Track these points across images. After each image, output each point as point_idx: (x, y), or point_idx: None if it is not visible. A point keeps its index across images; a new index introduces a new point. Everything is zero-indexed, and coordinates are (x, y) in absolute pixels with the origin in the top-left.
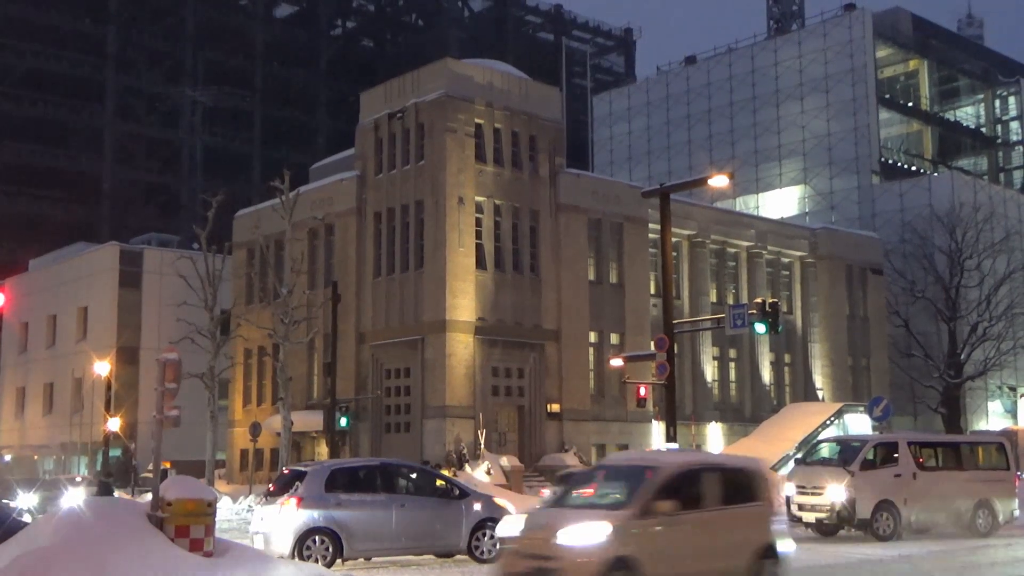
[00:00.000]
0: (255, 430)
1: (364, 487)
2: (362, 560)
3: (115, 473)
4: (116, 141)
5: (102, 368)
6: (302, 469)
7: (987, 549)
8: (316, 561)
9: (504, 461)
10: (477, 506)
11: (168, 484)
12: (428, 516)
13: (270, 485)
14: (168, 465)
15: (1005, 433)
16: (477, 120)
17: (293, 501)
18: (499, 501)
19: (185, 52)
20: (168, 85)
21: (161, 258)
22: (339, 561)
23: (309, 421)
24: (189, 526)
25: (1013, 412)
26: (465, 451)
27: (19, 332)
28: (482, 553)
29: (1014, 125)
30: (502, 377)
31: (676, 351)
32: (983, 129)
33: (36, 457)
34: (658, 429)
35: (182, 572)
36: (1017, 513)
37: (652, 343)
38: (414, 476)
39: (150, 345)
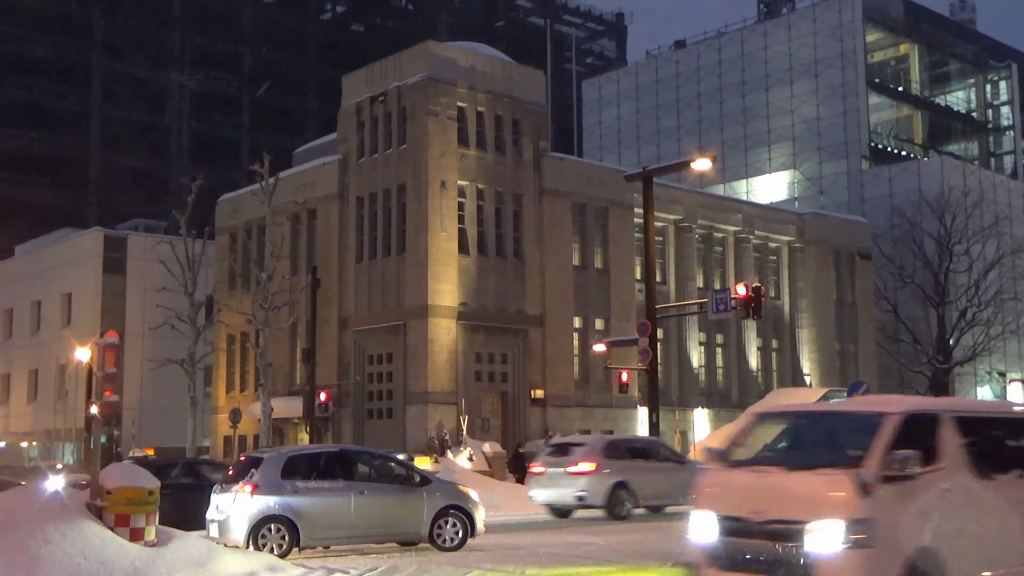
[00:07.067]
0: (235, 416)
1: (322, 474)
2: (320, 549)
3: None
4: (103, 126)
5: (83, 354)
6: (259, 456)
7: None
8: (271, 550)
9: (487, 447)
10: (439, 494)
11: (108, 472)
12: (388, 503)
13: (227, 471)
14: (151, 452)
15: None
16: (460, 103)
17: (248, 488)
18: (463, 488)
19: (172, 36)
20: (155, 70)
21: (145, 244)
22: (295, 550)
23: (290, 407)
24: (129, 515)
25: (1002, 398)
26: (448, 437)
27: (4, 318)
28: (444, 541)
29: (1005, 110)
30: (485, 363)
31: (661, 336)
32: (974, 114)
33: (26, 444)
34: (643, 415)
35: (118, 562)
36: None
37: (635, 328)
38: (375, 463)
39: (135, 331)
